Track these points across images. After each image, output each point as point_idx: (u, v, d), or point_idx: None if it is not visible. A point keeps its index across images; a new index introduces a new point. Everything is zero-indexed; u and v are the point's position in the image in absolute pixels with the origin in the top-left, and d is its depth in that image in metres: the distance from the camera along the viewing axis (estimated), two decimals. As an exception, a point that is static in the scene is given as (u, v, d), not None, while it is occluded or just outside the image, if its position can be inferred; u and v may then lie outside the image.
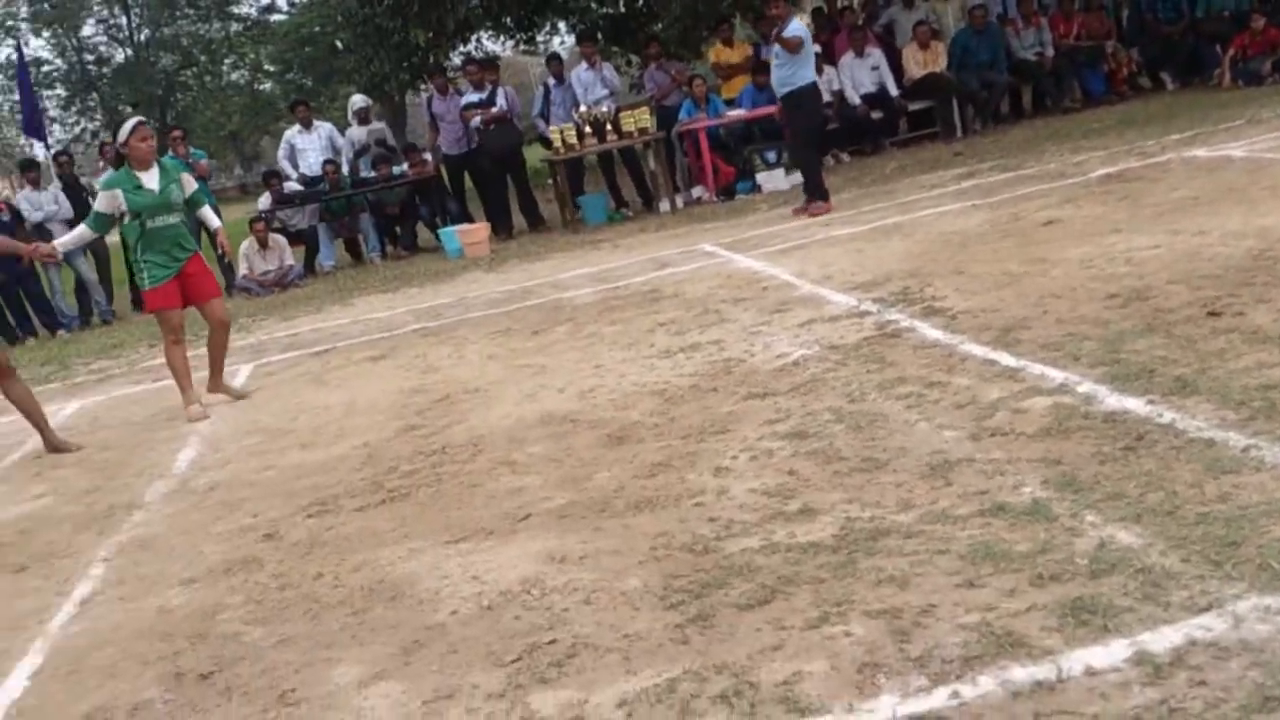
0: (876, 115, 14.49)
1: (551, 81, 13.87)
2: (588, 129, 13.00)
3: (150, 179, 6.97)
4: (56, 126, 45.31)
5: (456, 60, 21.54)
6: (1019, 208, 8.55)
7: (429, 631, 3.42)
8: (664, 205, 13.32)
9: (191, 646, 3.64)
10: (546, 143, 13.78)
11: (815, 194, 10.58)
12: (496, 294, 9.53)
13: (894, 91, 14.33)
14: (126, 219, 6.94)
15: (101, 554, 4.75)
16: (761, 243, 9.53)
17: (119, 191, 6.93)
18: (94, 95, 45.49)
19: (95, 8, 45.02)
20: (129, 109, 46.58)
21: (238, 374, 7.99)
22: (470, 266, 11.54)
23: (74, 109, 45.60)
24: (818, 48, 11.95)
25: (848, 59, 14.36)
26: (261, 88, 46.82)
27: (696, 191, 13.71)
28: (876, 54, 14.45)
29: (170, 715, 3.21)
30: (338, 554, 4.20)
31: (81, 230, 7.34)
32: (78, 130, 45.59)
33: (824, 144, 10.78)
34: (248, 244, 12.46)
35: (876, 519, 3.62)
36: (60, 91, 45.43)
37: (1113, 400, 4.21)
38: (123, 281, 12.97)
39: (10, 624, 4.16)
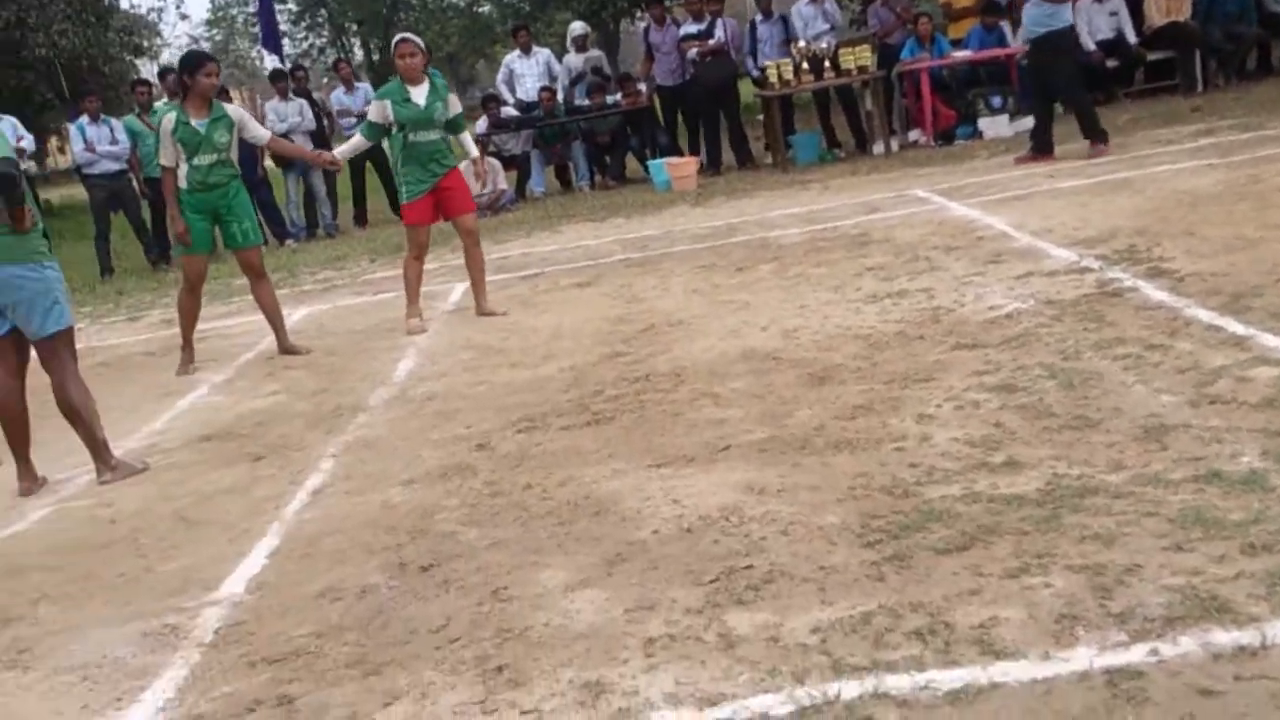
0: (1112, 63, 13.88)
1: (758, 17, 13.70)
2: (804, 65, 12.86)
3: (419, 94, 7.29)
4: (286, 41, 47.28)
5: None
6: (1259, 169, 8.14)
7: (630, 547, 3.56)
8: (878, 147, 13.12)
9: (412, 540, 3.89)
10: (757, 81, 13.66)
11: (1094, 134, 10.17)
12: (702, 229, 9.61)
13: (1132, 39, 13.70)
14: (393, 130, 7.28)
15: (330, 450, 5.07)
16: (979, 191, 9.33)
17: (388, 102, 7.28)
18: (322, 11, 47.13)
19: (330, -78, 46.53)
20: (354, 25, 48.17)
21: (452, 292, 8.32)
22: (677, 200, 11.63)
23: (303, 24, 47.37)
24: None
25: (1085, 2, 13.77)
26: (481, 10, 47.65)
27: (913, 134, 13.46)
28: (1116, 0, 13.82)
29: (394, 600, 3.45)
30: (545, 468, 4.39)
31: (357, 139, 7.72)
32: (305, 45, 47.41)
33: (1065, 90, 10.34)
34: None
35: (1084, 477, 3.58)
36: (291, 6, 47.24)
37: (1346, 376, 4.04)
38: (346, 198, 13.57)
39: (250, 508, 4.50)
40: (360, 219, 13.44)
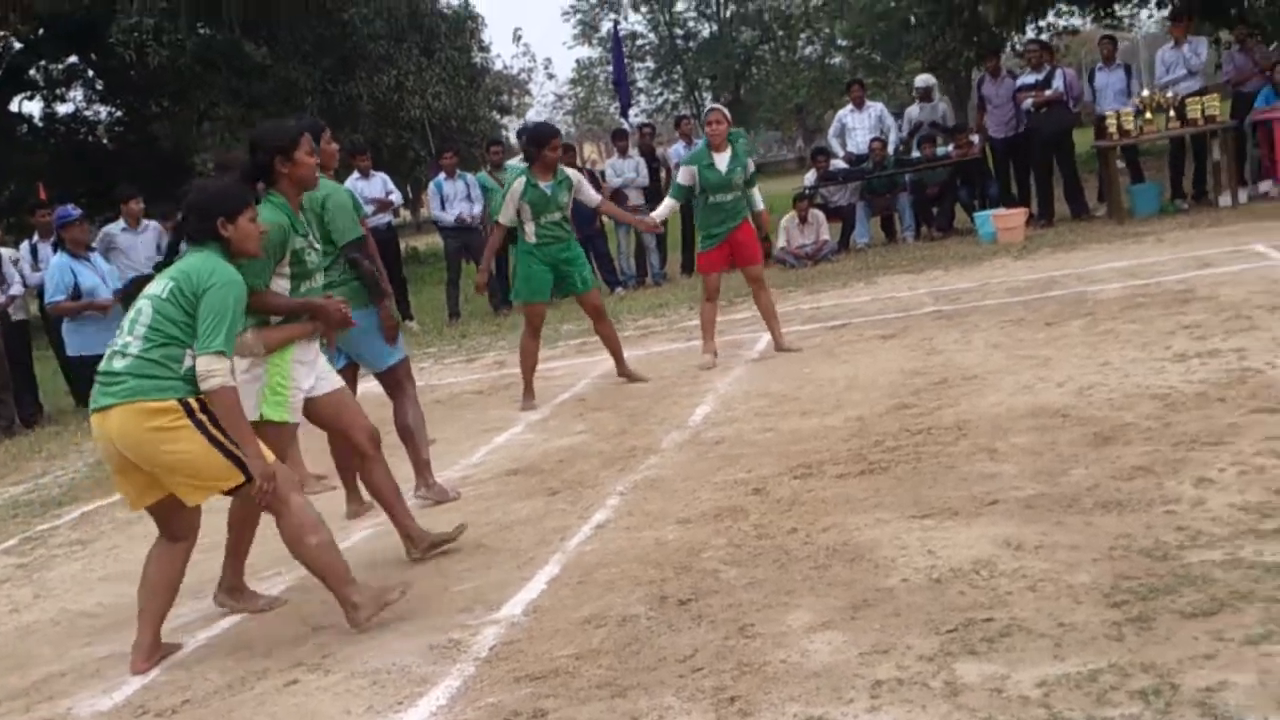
0: None
1: (1099, 65, 13.30)
2: (1148, 114, 12.38)
3: (722, 160, 7.95)
4: (642, 96, 49.58)
5: (1029, 33, 21.11)
6: None
7: (878, 593, 3.68)
8: (1224, 199, 12.42)
9: (676, 575, 4.16)
10: (1097, 130, 13.23)
11: None
12: (1020, 282, 9.46)
13: None
14: (697, 191, 7.81)
15: (619, 488, 5.43)
16: (1324, 247, 8.73)
17: (695, 168, 7.85)
18: (678, 68, 49.15)
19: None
20: (708, 81, 49.91)
21: (758, 341, 8.60)
22: (1001, 252, 11.46)
23: (660, 80, 49.55)
24: None
25: None
26: (832, 62, 48.15)
27: (1264, 186, 12.64)
28: None
29: (650, 629, 3.73)
30: (812, 514, 4.56)
31: (670, 202, 8.36)
32: (660, 100, 49.54)
33: None
34: (789, 218, 13.16)
35: (1361, 552, 3.41)
36: (650, 64, 49.56)
37: None
38: (675, 246, 14.15)
39: (539, 538, 4.92)
40: (688, 267, 13.96)
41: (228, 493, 4.07)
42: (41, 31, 21.84)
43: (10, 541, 6.64)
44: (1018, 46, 17.43)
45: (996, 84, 13.56)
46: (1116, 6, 22.32)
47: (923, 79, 14.89)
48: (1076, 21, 25.38)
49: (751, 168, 8.15)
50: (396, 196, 14.29)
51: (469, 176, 13.47)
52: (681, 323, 10.34)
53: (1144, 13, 24.83)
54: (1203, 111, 12.23)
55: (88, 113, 27.08)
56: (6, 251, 11.31)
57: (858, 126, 14.23)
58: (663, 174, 14.03)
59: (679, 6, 48.81)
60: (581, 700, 3.30)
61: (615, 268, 13.92)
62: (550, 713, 3.26)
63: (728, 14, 48.56)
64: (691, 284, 13.20)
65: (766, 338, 8.75)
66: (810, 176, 14.23)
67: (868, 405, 6.17)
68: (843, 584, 3.82)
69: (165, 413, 3.91)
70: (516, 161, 13.49)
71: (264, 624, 4.51)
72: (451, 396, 8.75)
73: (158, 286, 4.05)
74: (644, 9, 48.36)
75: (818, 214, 13.18)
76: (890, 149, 14.06)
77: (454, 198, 13.20)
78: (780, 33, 48.23)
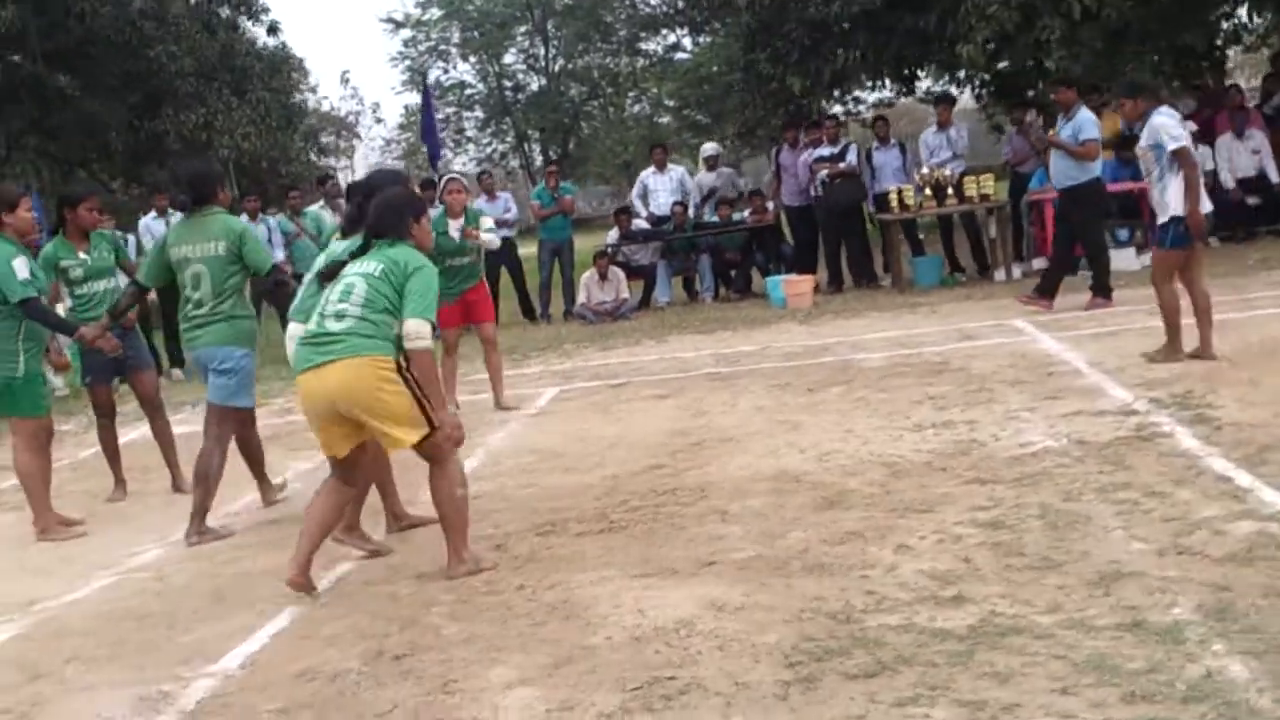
0: (1253, 201, 13.68)
1: (875, 145, 14.05)
2: (927, 191, 13.08)
3: (454, 227, 8.29)
4: (471, 145, 49.68)
5: (837, 109, 22.02)
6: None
7: (581, 650, 3.84)
8: (999, 274, 13.17)
9: (399, 631, 4.25)
10: (877, 205, 13.89)
11: (1100, 289, 10.26)
12: (797, 347, 9.86)
13: (1275, 177, 13.49)
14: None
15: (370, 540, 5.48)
16: (1077, 324, 9.35)
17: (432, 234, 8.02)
18: (508, 119, 49.37)
19: (519, 38, 48.94)
20: (536, 133, 50.34)
21: (542, 396, 8.76)
22: (788, 316, 11.90)
23: (489, 130, 49.67)
24: (1193, 126, 11.45)
25: (1226, 140, 13.67)
26: (661, 120, 49.07)
27: (1038, 263, 13.44)
28: (1259, 137, 13.66)
29: (358, 684, 3.81)
30: (543, 571, 4.71)
31: None
32: (489, 150, 49.66)
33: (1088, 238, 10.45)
34: (589, 275, 13.42)
35: (1018, 617, 3.73)
36: (479, 113, 49.62)
37: (1317, 537, 4.07)
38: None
39: (279, 589, 4.92)
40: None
41: (416, 444, 4.70)
42: None
43: None
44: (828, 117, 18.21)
45: (794, 154, 14.14)
46: (915, 83, 23.44)
47: (709, 147, 15.54)
48: (887, 94, 26.52)
49: (488, 223, 8.65)
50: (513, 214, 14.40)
51: (270, 220, 13.36)
52: (469, 375, 10.42)
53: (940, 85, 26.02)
54: (978, 190, 13.00)
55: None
56: None
57: (659, 188, 14.65)
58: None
59: (507, 59, 49.15)
60: (272, 755, 3.36)
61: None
62: (239, 768, 3.31)
63: (555, 69, 49.13)
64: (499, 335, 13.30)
65: (551, 392, 8.93)
66: (613, 235, 14.55)
67: (626, 464, 6.37)
68: (552, 641, 3.97)
69: (385, 367, 4.64)
70: (316, 208, 13.48)
71: (-23, 674, 4.40)
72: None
73: (367, 267, 4.78)
74: (472, 59, 48.56)
75: (618, 271, 13.47)
76: (690, 212, 14.50)
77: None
78: (610, 90, 48.99)
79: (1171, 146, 7.30)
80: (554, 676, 3.67)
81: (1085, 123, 10.10)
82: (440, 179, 8.72)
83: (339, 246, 5.57)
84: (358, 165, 58.91)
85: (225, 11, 22.09)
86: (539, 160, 50.74)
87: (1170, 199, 7.37)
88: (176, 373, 12.59)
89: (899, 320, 10.85)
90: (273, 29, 22.82)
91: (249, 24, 22.95)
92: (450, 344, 8.47)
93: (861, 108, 25.76)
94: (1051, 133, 10.62)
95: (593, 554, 4.87)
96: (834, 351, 9.42)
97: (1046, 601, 3.82)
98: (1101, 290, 10.26)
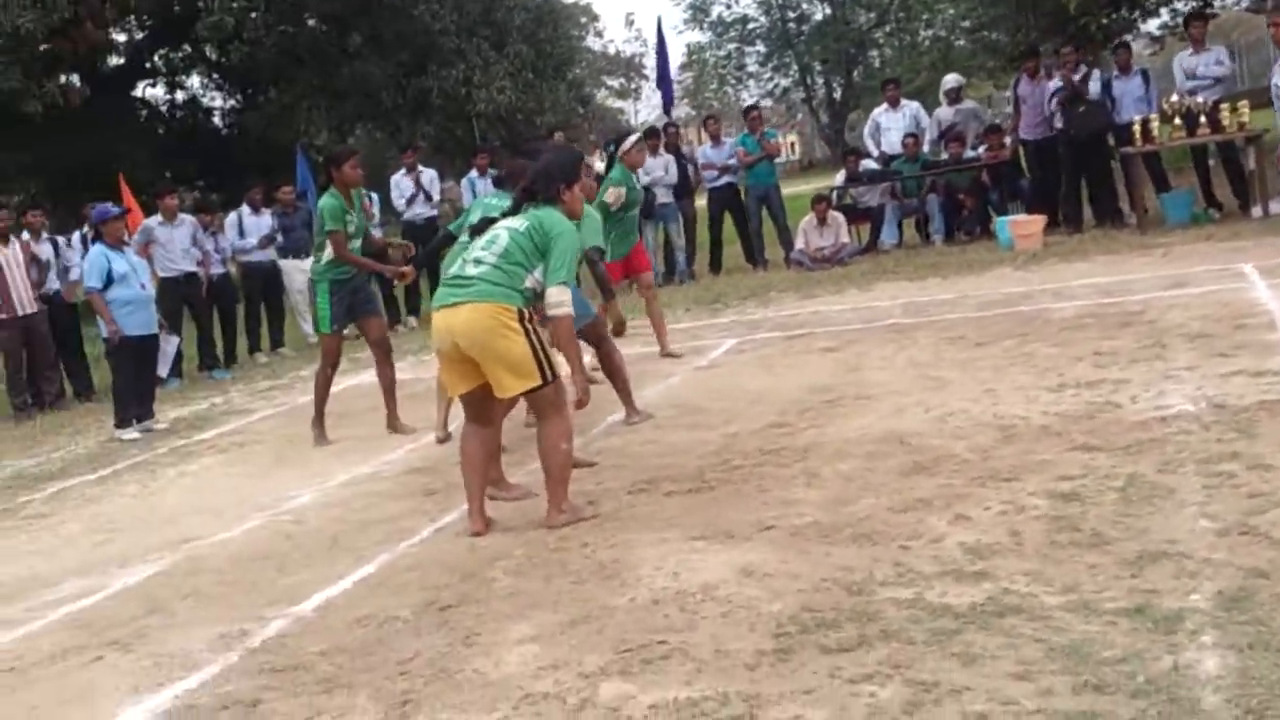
0: None
1: (1114, 74, 13.12)
2: (1176, 121, 12.21)
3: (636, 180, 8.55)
4: (752, 81, 49.45)
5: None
6: None
7: (601, 610, 4.02)
8: (1257, 210, 12.18)
9: (459, 582, 4.55)
10: (1119, 138, 13.02)
11: None
12: (996, 295, 9.53)
13: None
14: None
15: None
16: (1305, 271, 8.62)
17: (624, 189, 8.31)
18: (790, 52, 48.77)
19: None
20: (820, 65, 49.55)
21: (719, 347, 8.87)
22: (1010, 260, 11.47)
23: (770, 64, 49.23)
24: None
25: None
26: (958, 42, 47.14)
27: (1312, 199, 12.34)
28: None
29: (399, 632, 4.13)
30: (613, 530, 4.89)
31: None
32: (770, 85, 49.31)
33: None
34: (808, 220, 13.31)
35: (1027, 596, 3.64)
36: (760, 48, 49.22)
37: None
38: (703, 245, 14.36)
39: (382, 538, 5.34)
40: (715, 266, 14.21)
41: (524, 393, 5.04)
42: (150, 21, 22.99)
43: (-11, 512, 7.35)
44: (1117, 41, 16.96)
45: (1034, 85, 13.45)
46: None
47: (950, 79, 14.84)
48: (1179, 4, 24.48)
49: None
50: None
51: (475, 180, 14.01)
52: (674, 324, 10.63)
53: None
54: (1236, 119, 12.01)
55: (204, 99, 28.37)
56: (62, 239, 12.21)
57: (892, 126, 14.30)
58: (691, 171, 14.23)
59: (791, -10, 48.43)
60: (294, 693, 3.73)
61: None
62: (262, 703, 3.70)
63: (846, -6, 48.03)
64: (709, 284, 13.48)
65: (729, 343, 9.04)
66: (839, 177, 14.34)
67: (752, 421, 6.44)
68: (581, 600, 4.16)
69: (507, 313, 4.91)
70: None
71: (108, 606, 5.01)
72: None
73: (515, 223, 5.09)
74: (755, -8, 48.16)
75: (837, 216, 13.29)
76: (925, 149, 14.10)
77: (484, 194, 13.69)
78: (900, 14, 47.41)
79: None
80: (564, 634, 3.86)
81: None
82: (631, 136, 8.85)
83: (493, 201, 6.02)
84: (642, 108, 59.91)
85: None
86: (821, 93, 50.04)
87: None
88: (411, 320, 13.46)
89: (1122, 265, 10.26)
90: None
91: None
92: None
93: (1161, 19, 23.88)
94: None
95: (666, 515, 5.00)
96: (1032, 300, 9.06)
97: (1066, 581, 3.70)
98: None
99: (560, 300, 4.94)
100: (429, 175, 14.45)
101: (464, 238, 6.07)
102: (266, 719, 3.59)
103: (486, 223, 5.32)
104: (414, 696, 3.56)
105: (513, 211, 5.24)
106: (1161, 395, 5.75)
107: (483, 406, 5.21)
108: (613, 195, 8.25)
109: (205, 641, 4.33)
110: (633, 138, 8.79)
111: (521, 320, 4.93)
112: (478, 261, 5.03)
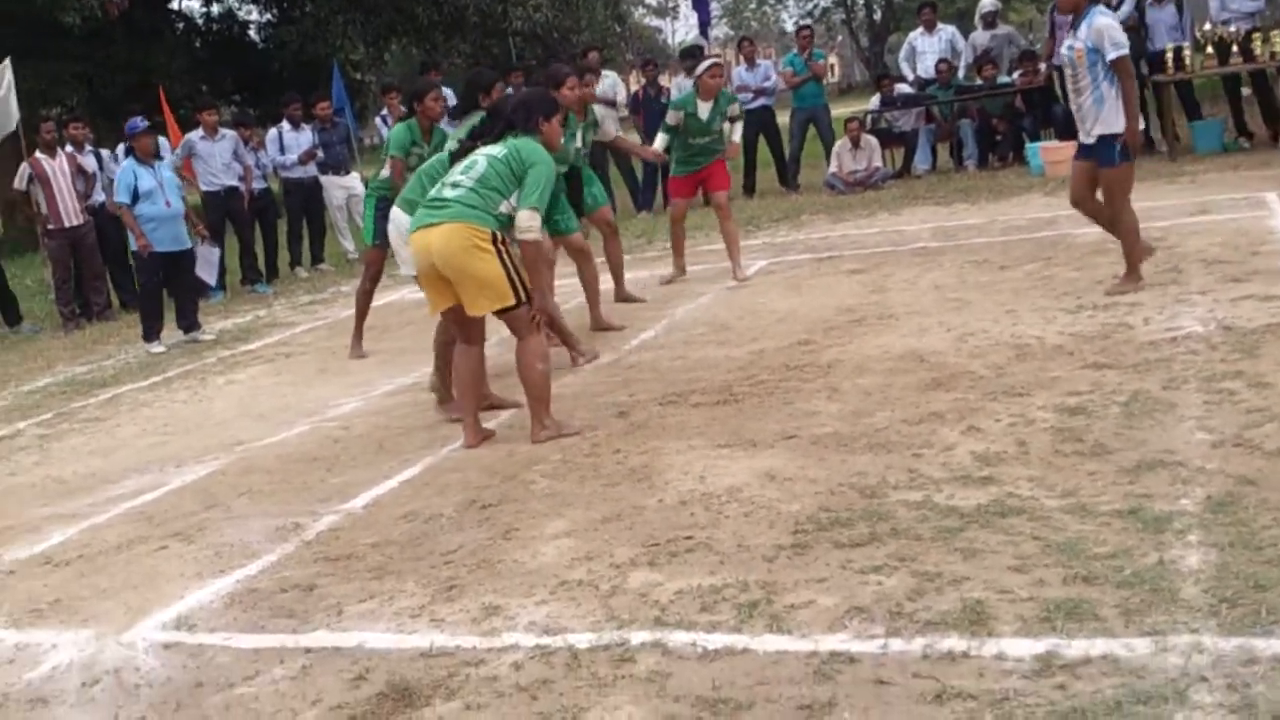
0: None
1: (1149, 1, 13.04)
2: (1208, 50, 12.20)
3: (705, 109, 8.70)
4: (791, 2, 49.19)
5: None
6: None
7: (632, 509, 4.31)
8: (1286, 140, 12.21)
9: (499, 484, 4.85)
10: (1151, 66, 12.99)
11: None
12: (1023, 220, 9.69)
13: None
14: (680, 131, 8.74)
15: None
16: (1332, 201, 8.74)
17: (682, 112, 8.73)
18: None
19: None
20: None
21: (752, 267, 9.09)
22: (1039, 186, 11.59)
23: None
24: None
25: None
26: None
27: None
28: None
29: (443, 527, 4.45)
30: (644, 437, 5.18)
31: (661, 138, 8.94)
32: (810, 6, 48.99)
33: None
34: (841, 143, 13.42)
35: (1029, 500, 3.90)
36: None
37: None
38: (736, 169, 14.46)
39: (426, 442, 5.65)
40: (749, 189, 14.35)
41: (498, 313, 5.25)
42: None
43: (45, 415, 7.70)
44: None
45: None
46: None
47: (988, 2, 14.78)
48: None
49: (736, 110, 8.90)
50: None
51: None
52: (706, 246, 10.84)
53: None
54: (1270, 48, 11.99)
55: (240, 12, 28.41)
56: (106, 152, 12.49)
57: (927, 50, 14.33)
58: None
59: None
60: (348, 579, 4.05)
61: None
62: (319, 587, 4.02)
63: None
64: (746, 205, 13.63)
65: (761, 263, 9.26)
66: (874, 101, 14.40)
67: (778, 339, 6.69)
68: (614, 500, 4.45)
69: (480, 235, 5.12)
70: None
71: (168, 501, 5.35)
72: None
73: (493, 149, 5.31)
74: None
75: (870, 139, 13.40)
76: (961, 74, 14.14)
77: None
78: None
79: (1113, 55, 6.56)
80: (598, 530, 4.16)
81: None
82: (704, 61, 9.08)
83: (461, 130, 6.32)
84: (680, 27, 59.39)
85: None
86: (861, 15, 49.57)
87: (1108, 112, 6.57)
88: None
89: (1149, 192, 10.31)
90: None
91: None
92: (679, 214, 9.11)
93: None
94: None
95: (694, 424, 5.28)
96: (1057, 226, 9.21)
97: (1066, 487, 3.95)
98: None
99: (530, 225, 5.16)
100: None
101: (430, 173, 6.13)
102: (323, 600, 3.91)
103: (466, 149, 5.53)
104: (458, 582, 3.87)
105: (493, 140, 5.42)
106: (1174, 318, 5.96)
107: (467, 325, 5.44)
108: (672, 117, 8.76)
109: (262, 534, 4.66)
110: (705, 64, 8.96)
111: (494, 242, 5.15)
112: (455, 185, 5.25)
